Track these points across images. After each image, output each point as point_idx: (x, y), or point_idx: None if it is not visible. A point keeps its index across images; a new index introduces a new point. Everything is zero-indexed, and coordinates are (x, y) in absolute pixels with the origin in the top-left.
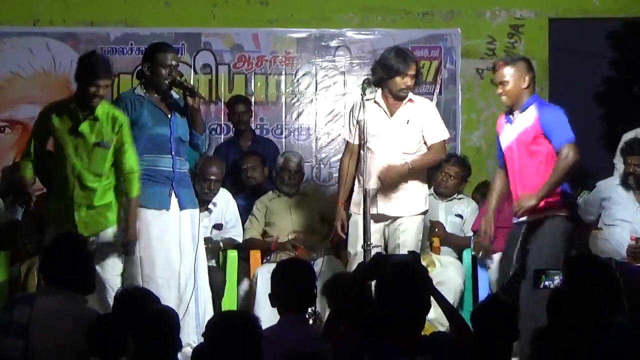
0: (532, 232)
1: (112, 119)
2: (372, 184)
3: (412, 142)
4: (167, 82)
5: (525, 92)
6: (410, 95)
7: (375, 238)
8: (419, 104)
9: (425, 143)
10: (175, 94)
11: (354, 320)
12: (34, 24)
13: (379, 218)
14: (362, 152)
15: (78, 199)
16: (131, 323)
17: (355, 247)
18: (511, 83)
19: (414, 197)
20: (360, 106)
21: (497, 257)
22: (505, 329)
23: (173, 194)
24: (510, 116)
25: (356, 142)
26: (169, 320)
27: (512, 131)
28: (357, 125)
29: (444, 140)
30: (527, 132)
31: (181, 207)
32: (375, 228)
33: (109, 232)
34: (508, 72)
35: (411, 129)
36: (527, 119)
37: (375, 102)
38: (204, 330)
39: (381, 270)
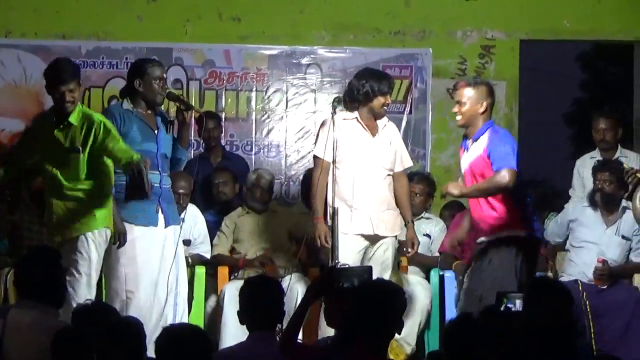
0: (487, 251)
1: (86, 121)
2: (358, 204)
3: (393, 163)
4: (162, 95)
5: (481, 117)
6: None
7: (357, 258)
8: (393, 125)
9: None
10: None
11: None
12: (5, 36)
13: (369, 238)
14: (333, 169)
15: (57, 206)
16: (96, 334)
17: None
18: (468, 104)
19: (398, 217)
20: (334, 124)
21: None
22: (476, 348)
23: (160, 211)
24: (467, 142)
25: (328, 159)
26: (133, 330)
27: (467, 158)
28: (333, 143)
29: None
30: (478, 161)
31: (166, 224)
32: (360, 247)
33: (83, 240)
34: (467, 93)
35: (393, 149)
36: (479, 147)
37: (358, 121)
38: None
39: (334, 284)
